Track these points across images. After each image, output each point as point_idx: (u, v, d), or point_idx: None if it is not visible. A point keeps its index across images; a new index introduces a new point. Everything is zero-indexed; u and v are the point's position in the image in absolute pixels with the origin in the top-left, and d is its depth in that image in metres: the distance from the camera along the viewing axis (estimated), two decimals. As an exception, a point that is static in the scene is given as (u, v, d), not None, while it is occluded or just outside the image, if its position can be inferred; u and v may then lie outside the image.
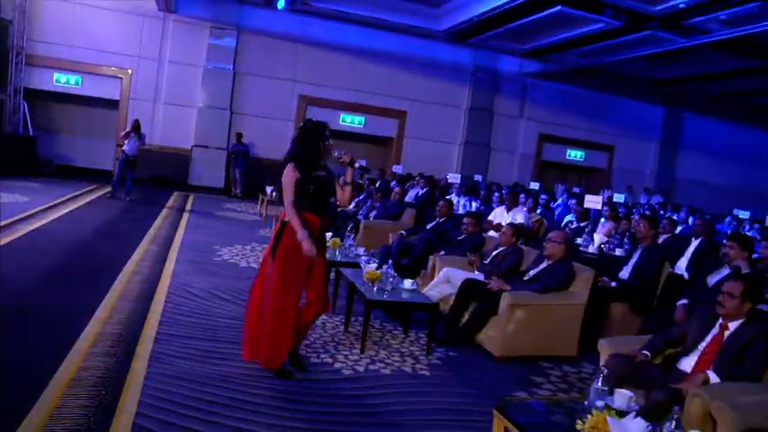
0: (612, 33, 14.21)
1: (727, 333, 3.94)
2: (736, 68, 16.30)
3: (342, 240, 6.94)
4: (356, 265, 6.08)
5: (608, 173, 20.75)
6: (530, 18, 14.07)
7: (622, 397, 2.97)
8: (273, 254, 4.39)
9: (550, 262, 5.78)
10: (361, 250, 6.61)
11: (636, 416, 2.48)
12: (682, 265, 7.57)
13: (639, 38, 14.10)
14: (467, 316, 5.62)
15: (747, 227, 13.44)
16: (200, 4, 16.17)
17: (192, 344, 4.91)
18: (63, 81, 15.89)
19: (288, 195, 4.32)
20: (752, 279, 4.51)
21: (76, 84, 16.00)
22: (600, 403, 2.79)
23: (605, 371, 2.89)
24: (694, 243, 7.70)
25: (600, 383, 2.84)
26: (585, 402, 2.89)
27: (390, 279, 5.19)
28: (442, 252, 6.92)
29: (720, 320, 4.00)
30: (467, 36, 16.59)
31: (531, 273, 5.85)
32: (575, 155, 20.57)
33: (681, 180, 21.29)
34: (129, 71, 16.20)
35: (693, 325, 4.15)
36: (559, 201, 14.41)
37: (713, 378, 3.72)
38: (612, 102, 20.04)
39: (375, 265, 5.59)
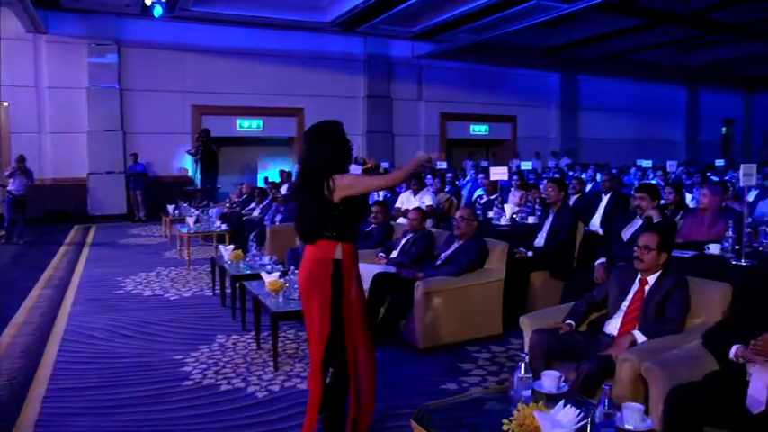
0: (499, 6, 14.21)
1: (647, 288, 3.80)
2: (619, 29, 16.83)
3: (245, 251, 6.51)
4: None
5: (513, 143, 20.93)
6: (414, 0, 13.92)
7: (550, 379, 2.73)
8: (336, 310, 3.41)
9: (461, 242, 5.54)
10: (265, 258, 6.20)
11: (565, 404, 2.23)
12: (596, 222, 7.56)
13: (526, 8, 14.16)
14: (383, 311, 5.30)
15: (651, 175, 13.73)
16: (73, 20, 15.07)
17: (89, 395, 4.37)
18: (-69, 128, 14.64)
19: (375, 178, 3.55)
20: (665, 228, 4.40)
21: (-54, 128, 14.78)
22: (526, 392, 2.53)
23: (527, 357, 2.62)
24: (605, 198, 7.72)
25: (523, 371, 2.57)
26: (511, 393, 2.62)
27: (296, 285, 4.80)
28: (351, 248, 6.59)
29: (639, 275, 3.85)
30: (355, 24, 16.32)
31: (443, 256, 5.60)
32: (478, 130, 20.68)
33: (585, 140, 21.92)
34: (5, 103, 15.00)
35: (613, 284, 3.99)
36: (468, 177, 14.35)
37: (640, 338, 3.56)
38: (509, 73, 20.27)
39: (278, 273, 5.20)
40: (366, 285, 5.39)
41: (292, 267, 5.02)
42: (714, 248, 4.87)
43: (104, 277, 8.49)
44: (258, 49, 16.77)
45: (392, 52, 18.62)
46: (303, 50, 17.23)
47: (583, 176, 12.27)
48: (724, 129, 26.60)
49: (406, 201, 9.10)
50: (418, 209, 6.54)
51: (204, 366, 4.88)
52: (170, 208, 11.90)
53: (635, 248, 3.83)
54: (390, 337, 5.29)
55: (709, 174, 13.23)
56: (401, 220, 8.07)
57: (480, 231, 5.78)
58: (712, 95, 25.07)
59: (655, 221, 5.23)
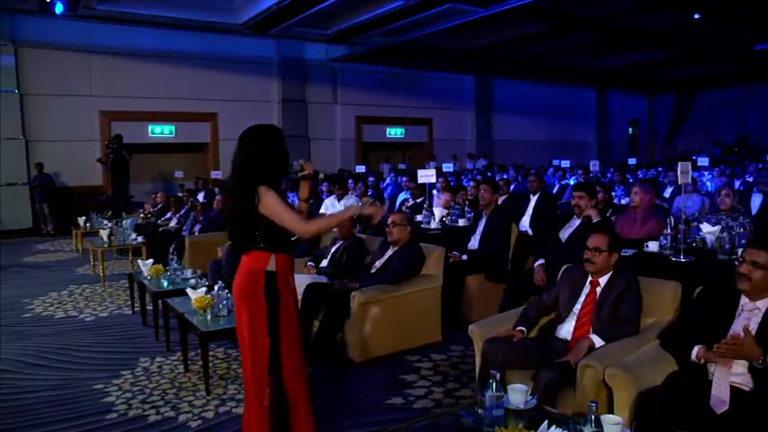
0: (413, 9, 14.14)
1: (598, 290, 3.68)
2: (532, 33, 17.12)
3: (165, 265, 6.08)
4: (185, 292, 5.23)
5: (430, 145, 20.99)
6: (328, 2, 13.65)
7: (517, 393, 2.54)
8: (274, 325, 3.12)
9: (396, 248, 5.32)
10: (188, 273, 5.80)
11: (549, 424, 2.03)
12: (525, 223, 7.52)
13: (441, 11, 14.13)
14: (318, 325, 5.01)
15: (568, 175, 13.97)
16: (-42, 18, 13.89)
17: (-11, 440, 3.85)
18: None
19: (292, 217, 3.06)
20: (610, 227, 4.33)
21: None
22: (498, 411, 2.32)
23: (497, 374, 2.42)
24: (533, 199, 7.69)
25: (494, 389, 2.36)
26: (480, 411, 2.41)
27: (224, 301, 4.46)
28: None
29: (590, 277, 3.74)
30: (268, 27, 15.87)
31: (378, 263, 5.35)
32: (395, 132, 20.62)
33: (499, 141, 22.24)
34: None
35: (563, 287, 3.85)
36: (388, 180, 14.21)
37: (597, 342, 3.45)
38: (425, 76, 20.29)
39: (204, 288, 4.82)
40: (299, 297, 5.12)
41: (220, 282, 4.67)
42: (653, 246, 4.86)
43: (9, 300, 7.75)
44: (169, 51, 16.01)
45: (307, 55, 18.26)
46: (215, 53, 16.61)
47: (505, 176, 12.34)
48: (631, 129, 27.71)
49: (331, 206, 8.86)
50: (348, 215, 6.28)
51: (129, 395, 4.43)
52: (81, 220, 11.20)
53: (585, 251, 3.70)
54: (326, 353, 4.96)
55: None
56: (328, 227, 7.78)
57: (415, 236, 5.59)
58: (619, 97, 26.04)
59: (594, 221, 5.17)
